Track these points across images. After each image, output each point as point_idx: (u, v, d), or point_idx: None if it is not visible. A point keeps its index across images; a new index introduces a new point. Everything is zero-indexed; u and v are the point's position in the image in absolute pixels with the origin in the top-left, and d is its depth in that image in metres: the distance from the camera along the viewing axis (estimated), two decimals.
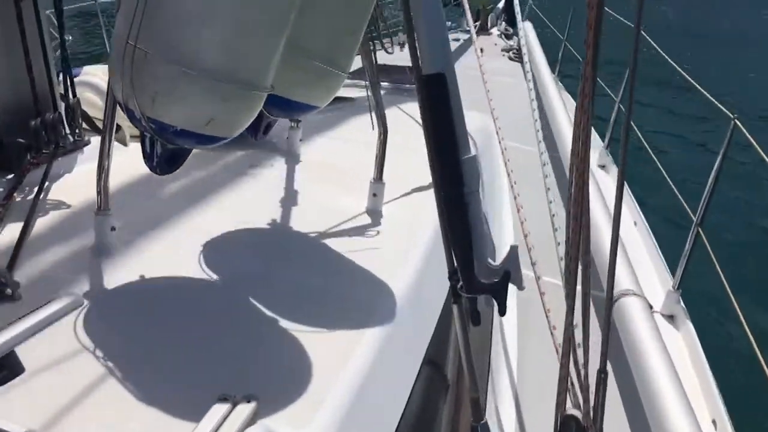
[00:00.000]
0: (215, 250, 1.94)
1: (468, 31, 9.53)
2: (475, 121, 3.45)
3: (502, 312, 1.37)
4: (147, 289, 1.71)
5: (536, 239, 2.43)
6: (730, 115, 3.12)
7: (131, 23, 1.43)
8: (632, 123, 4.19)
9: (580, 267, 1.21)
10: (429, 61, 1.29)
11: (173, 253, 1.88)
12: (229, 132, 1.59)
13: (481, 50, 8.35)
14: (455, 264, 1.40)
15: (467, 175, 1.35)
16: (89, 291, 1.65)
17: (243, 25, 1.47)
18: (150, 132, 1.54)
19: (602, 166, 5.40)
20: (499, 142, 3.00)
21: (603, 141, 5.50)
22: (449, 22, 9.08)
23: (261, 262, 1.93)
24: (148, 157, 1.63)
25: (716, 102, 3.37)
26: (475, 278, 1.38)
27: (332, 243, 2.06)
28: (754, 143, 2.92)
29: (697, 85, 3.69)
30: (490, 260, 1.40)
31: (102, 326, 1.55)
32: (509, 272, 1.35)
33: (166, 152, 1.62)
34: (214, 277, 1.80)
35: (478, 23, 9.51)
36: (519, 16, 5.09)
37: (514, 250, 1.37)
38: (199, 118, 1.51)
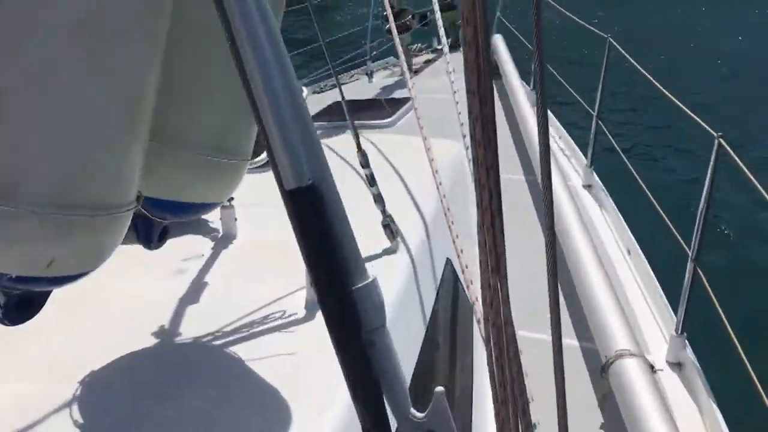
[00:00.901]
0: (110, 390, 1.63)
1: (438, 50, 9.29)
2: (440, 147, 3.14)
3: None
4: None
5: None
6: (714, 133, 2.80)
7: None
8: (615, 143, 3.81)
9: None
10: (291, 171, 0.97)
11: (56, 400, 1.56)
12: (85, 267, 1.28)
13: (453, 70, 8.07)
14: (367, 423, 1.09)
15: (364, 309, 1.03)
16: None
17: (76, 140, 1.17)
18: None
19: (588, 186, 5.01)
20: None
21: (586, 158, 5.12)
22: (418, 44, 8.83)
23: (174, 400, 1.61)
24: None
25: (697, 118, 3.04)
26: None
27: (260, 359, 1.74)
28: (740, 164, 2.59)
29: (675, 100, 3.36)
30: (413, 411, 1.09)
31: None
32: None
33: (12, 299, 1.30)
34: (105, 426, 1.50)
35: (449, 39, 9.26)
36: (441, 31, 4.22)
37: (439, 396, 1.06)
38: (36, 261, 1.20)
